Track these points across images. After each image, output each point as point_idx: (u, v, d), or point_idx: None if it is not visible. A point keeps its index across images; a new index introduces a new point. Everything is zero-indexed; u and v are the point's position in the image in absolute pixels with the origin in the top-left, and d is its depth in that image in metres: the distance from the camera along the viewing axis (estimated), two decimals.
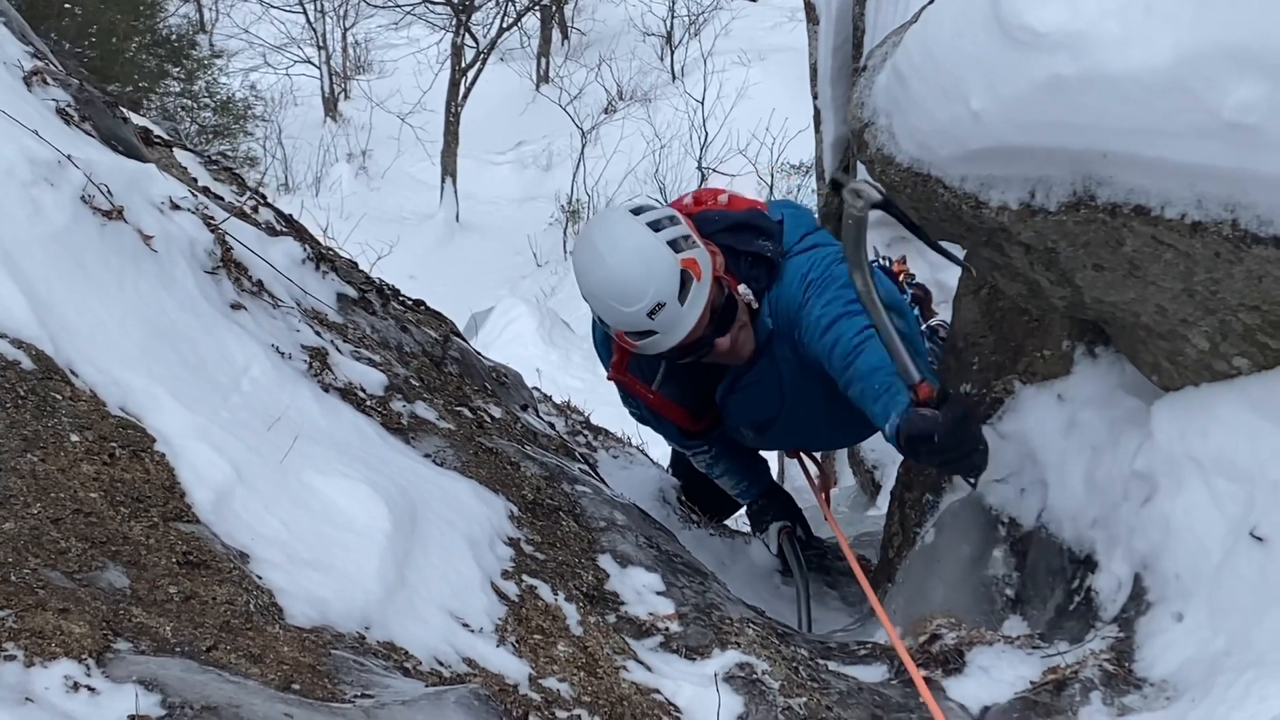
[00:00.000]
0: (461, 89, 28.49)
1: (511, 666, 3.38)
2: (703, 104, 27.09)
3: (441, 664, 3.25)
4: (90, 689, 2.53)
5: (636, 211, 4.54)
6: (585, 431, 6.35)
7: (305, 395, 3.88)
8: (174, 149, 5.50)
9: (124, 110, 5.19)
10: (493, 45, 29.53)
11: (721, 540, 5.49)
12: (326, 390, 4.03)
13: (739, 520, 5.97)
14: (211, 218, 4.25)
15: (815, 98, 10.28)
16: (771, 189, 24.75)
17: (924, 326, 5.35)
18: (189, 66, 27.73)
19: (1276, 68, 2.99)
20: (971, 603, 4.19)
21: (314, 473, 3.48)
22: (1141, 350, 3.82)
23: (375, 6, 31.20)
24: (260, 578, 3.10)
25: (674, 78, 31.10)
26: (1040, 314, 4.32)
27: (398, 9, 30.69)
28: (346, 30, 32.72)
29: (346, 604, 3.19)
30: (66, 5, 21.43)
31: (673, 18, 32.35)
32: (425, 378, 4.70)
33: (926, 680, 3.77)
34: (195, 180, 5.06)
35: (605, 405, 9.22)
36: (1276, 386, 3.49)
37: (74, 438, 3.13)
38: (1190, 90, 3.11)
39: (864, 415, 4.41)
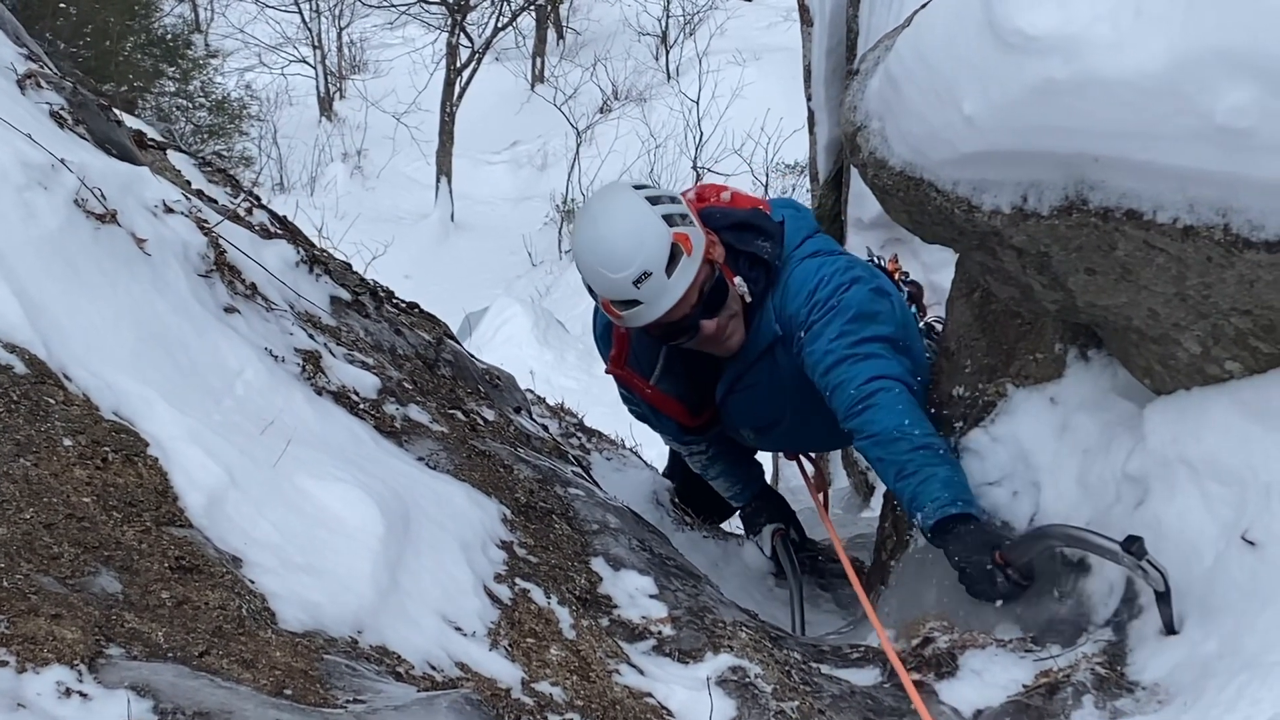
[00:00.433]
0: (457, 89, 28.49)
1: (504, 670, 3.38)
2: (698, 104, 27.12)
3: (434, 668, 3.25)
4: (82, 695, 2.52)
5: (637, 188, 4.58)
6: (579, 434, 6.35)
7: (298, 399, 3.88)
8: (168, 151, 5.49)
9: (118, 113, 5.19)
10: (488, 45, 29.53)
11: (715, 543, 5.49)
12: (320, 393, 4.03)
13: (733, 523, 5.97)
14: (205, 221, 4.25)
15: (809, 100, 10.28)
16: (766, 189, 24.75)
17: (921, 324, 5.35)
18: (184, 66, 27.71)
19: (1268, 71, 2.99)
20: (964, 605, 4.19)
21: (307, 476, 3.48)
22: (1134, 354, 3.82)
23: (370, 6, 31.20)
24: (253, 582, 3.10)
25: (669, 77, 31.10)
26: (1033, 317, 4.33)
27: (393, 9, 30.70)
28: (342, 30, 32.72)
29: (339, 608, 3.19)
30: (61, 5, 21.42)
31: (668, 17, 32.37)
32: (418, 381, 4.70)
33: (919, 684, 3.77)
34: (189, 183, 5.06)
35: (599, 407, 9.21)
36: (1268, 390, 3.49)
37: (67, 442, 3.12)
38: (1182, 94, 3.11)
39: None
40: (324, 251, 5.34)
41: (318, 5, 31.70)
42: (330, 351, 4.31)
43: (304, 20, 31.77)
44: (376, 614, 3.26)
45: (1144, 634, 3.73)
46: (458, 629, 3.44)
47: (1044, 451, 4.20)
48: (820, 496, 5.53)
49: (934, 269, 6.96)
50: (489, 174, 29.69)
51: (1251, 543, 3.45)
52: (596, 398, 12.68)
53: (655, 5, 32.26)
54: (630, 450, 6.70)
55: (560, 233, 27.42)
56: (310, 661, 2.94)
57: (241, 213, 4.87)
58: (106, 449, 3.17)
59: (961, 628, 4.08)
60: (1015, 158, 3.58)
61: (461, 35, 28.93)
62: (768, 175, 25.57)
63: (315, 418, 3.86)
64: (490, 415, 4.88)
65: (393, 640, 3.24)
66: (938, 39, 3.75)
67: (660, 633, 3.88)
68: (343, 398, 4.12)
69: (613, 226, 4.45)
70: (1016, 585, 4.03)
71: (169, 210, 4.08)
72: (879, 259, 5.78)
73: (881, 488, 6.27)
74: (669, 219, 4.45)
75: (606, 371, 5.08)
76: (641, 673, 3.64)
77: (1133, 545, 3.58)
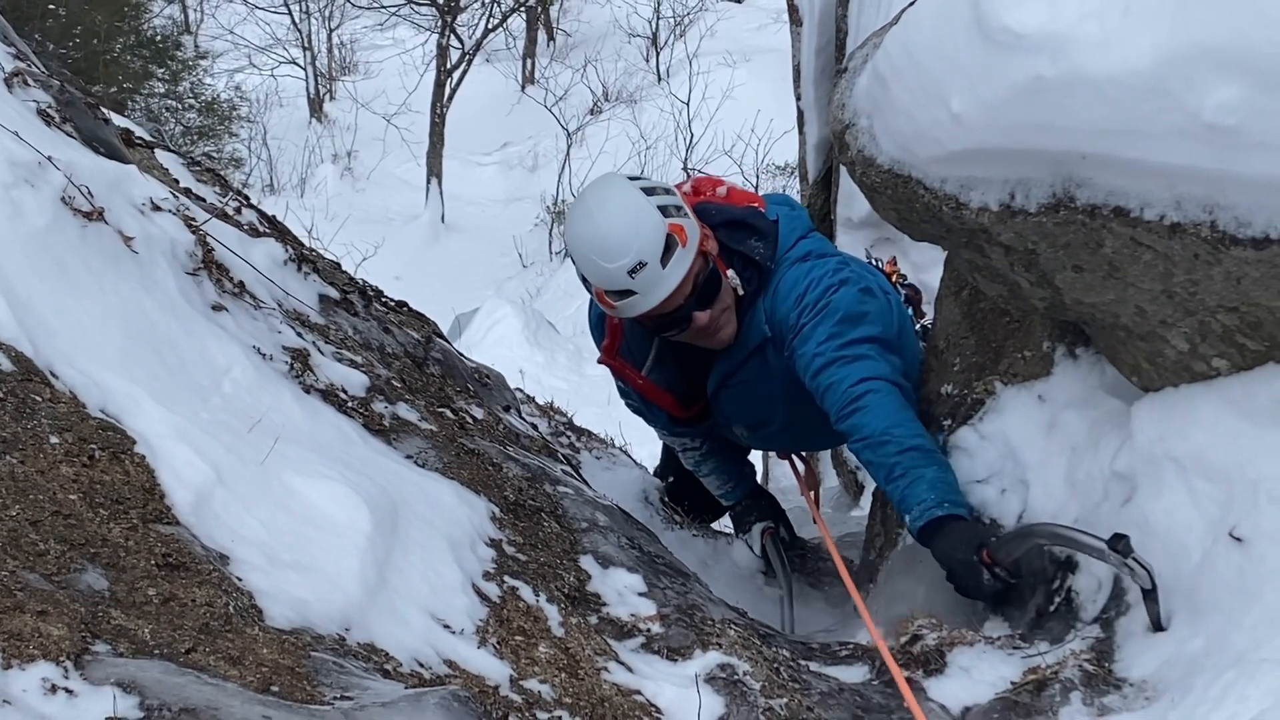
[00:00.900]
0: (447, 90, 28.46)
1: (492, 668, 3.38)
2: (688, 105, 27.09)
3: (422, 665, 3.25)
4: (68, 691, 2.52)
5: (632, 179, 4.58)
6: (568, 433, 6.35)
7: (286, 397, 3.88)
8: (156, 150, 5.48)
9: (105, 111, 5.18)
10: (478, 46, 29.50)
11: (704, 541, 5.49)
12: (308, 391, 4.03)
13: (722, 522, 5.97)
14: (193, 219, 4.24)
15: (799, 99, 10.29)
16: (757, 190, 24.73)
17: (918, 326, 5.35)
18: (174, 68, 27.67)
19: (1255, 69, 3.00)
20: (952, 603, 4.19)
21: (295, 474, 3.48)
22: (1121, 351, 3.83)
23: (360, 8, 31.15)
24: (240, 579, 3.09)
25: (659, 79, 31.09)
26: (1021, 315, 4.33)
27: (383, 10, 30.65)
28: (332, 31, 32.67)
29: (326, 605, 3.19)
30: (50, 6, 21.38)
31: (658, 19, 32.35)
32: (407, 379, 4.69)
33: (908, 681, 3.77)
34: (177, 181, 5.05)
35: (589, 406, 9.24)
36: (1255, 387, 3.50)
37: (53, 439, 3.12)
38: (1169, 91, 3.12)
39: None
40: (313, 250, 5.34)
41: (307, 7, 31.64)
42: (319, 350, 4.30)
43: (294, 22, 31.71)
44: (364, 611, 3.26)
45: (1132, 631, 3.74)
46: (446, 626, 3.44)
47: (1032, 449, 4.21)
48: (810, 495, 5.53)
49: (923, 268, 6.96)
50: (479, 175, 29.66)
51: (1239, 539, 3.45)
52: (587, 397, 12.73)
53: (645, 7, 32.24)
54: (620, 449, 6.70)
55: (551, 234, 27.39)
56: (297, 659, 2.93)
57: (230, 211, 4.86)
58: (93, 446, 3.17)
59: (950, 625, 4.08)
60: (1003, 155, 3.59)
61: (452, 37, 28.89)
62: (758, 176, 25.55)
63: (303, 416, 3.86)
64: (479, 413, 4.88)
65: (381, 637, 3.24)
66: (926, 37, 3.75)
67: (649, 630, 3.88)
68: (331, 396, 4.11)
69: (608, 216, 4.45)
70: (1004, 583, 4.04)
71: (157, 208, 4.07)
72: (877, 260, 5.78)
73: (870, 487, 6.28)
74: (664, 210, 4.46)
75: (600, 361, 5.08)
76: (630, 670, 3.64)
77: (1118, 543, 3.58)
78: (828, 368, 4.46)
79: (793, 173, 21.61)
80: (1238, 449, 3.52)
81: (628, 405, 5.40)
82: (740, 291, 4.65)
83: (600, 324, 5.03)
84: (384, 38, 32.11)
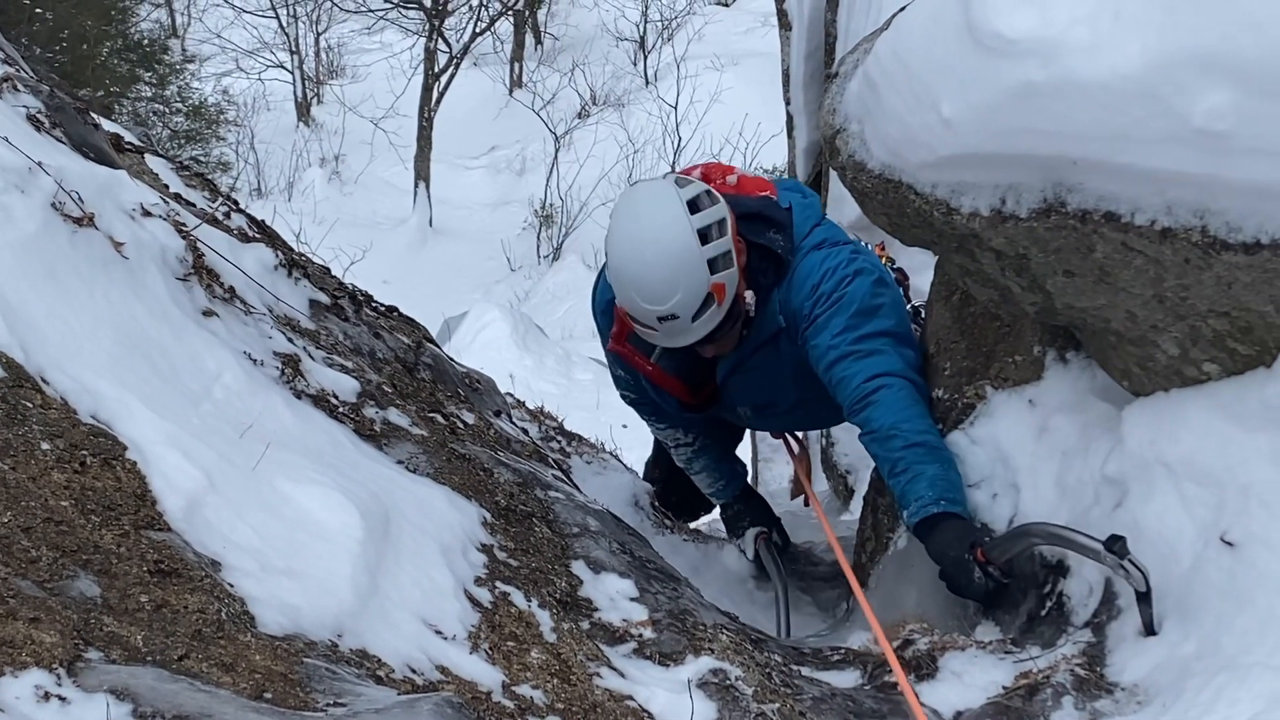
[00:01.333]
0: (435, 94, 28.44)
1: (485, 674, 3.38)
2: (676, 109, 27.13)
3: (414, 671, 3.24)
4: (61, 698, 2.52)
5: (694, 206, 4.43)
6: (559, 437, 6.35)
7: (277, 402, 3.87)
8: (145, 155, 5.47)
9: (95, 116, 5.17)
10: (466, 50, 29.48)
11: (695, 546, 5.49)
12: (299, 397, 4.02)
13: (713, 526, 5.97)
14: (183, 224, 4.23)
15: (788, 104, 10.29)
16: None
17: (909, 308, 5.36)
18: (161, 71, 27.63)
19: (1245, 74, 3.01)
20: (944, 608, 4.20)
21: (286, 480, 3.47)
22: (1112, 356, 3.84)
23: (348, 11, 31.13)
24: (232, 586, 3.09)
25: (647, 82, 31.10)
26: (1011, 320, 4.34)
27: (370, 14, 30.63)
28: (319, 35, 32.64)
29: (319, 612, 3.18)
30: (37, 11, 21.33)
31: (646, 23, 32.36)
32: (398, 384, 4.69)
33: (896, 686, 3.77)
34: (167, 186, 5.03)
35: (579, 411, 9.24)
36: (1246, 392, 3.51)
37: (45, 446, 3.11)
38: (1160, 97, 3.13)
39: None
40: (302, 255, 5.33)
41: (295, 10, 31.62)
42: (309, 355, 4.30)
43: (281, 26, 31.68)
44: (356, 617, 3.25)
45: (1123, 635, 3.74)
46: (438, 632, 3.43)
47: (1023, 453, 4.21)
48: (805, 474, 5.56)
49: (913, 272, 6.95)
50: (467, 179, 29.65)
51: (1230, 544, 3.46)
52: (576, 401, 12.72)
53: (633, 10, 32.25)
54: (610, 454, 6.70)
55: (539, 238, 27.41)
56: (290, 665, 2.93)
57: (219, 216, 4.86)
58: (85, 453, 3.16)
59: (941, 630, 4.09)
60: (994, 160, 3.59)
61: (439, 40, 28.89)
62: None
63: (294, 421, 3.85)
64: (470, 419, 4.88)
65: (373, 643, 3.23)
66: (916, 42, 3.76)
67: (641, 635, 3.88)
68: (322, 401, 4.11)
69: (658, 257, 4.38)
70: (996, 582, 4.05)
71: (147, 214, 4.06)
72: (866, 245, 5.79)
73: (860, 491, 6.28)
74: (712, 264, 4.41)
75: (609, 349, 5.06)
76: (622, 675, 3.64)
77: (1115, 544, 3.59)
78: (841, 361, 4.48)
79: (782, 176, 21.63)
80: (1228, 453, 3.53)
81: (624, 398, 5.40)
82: (752, 313, 4.65)
83: (609, 311, 5.01)
84: (371, 41, 32.08)
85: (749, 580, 5.35)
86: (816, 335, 4.54)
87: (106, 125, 5.54)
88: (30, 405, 3.19)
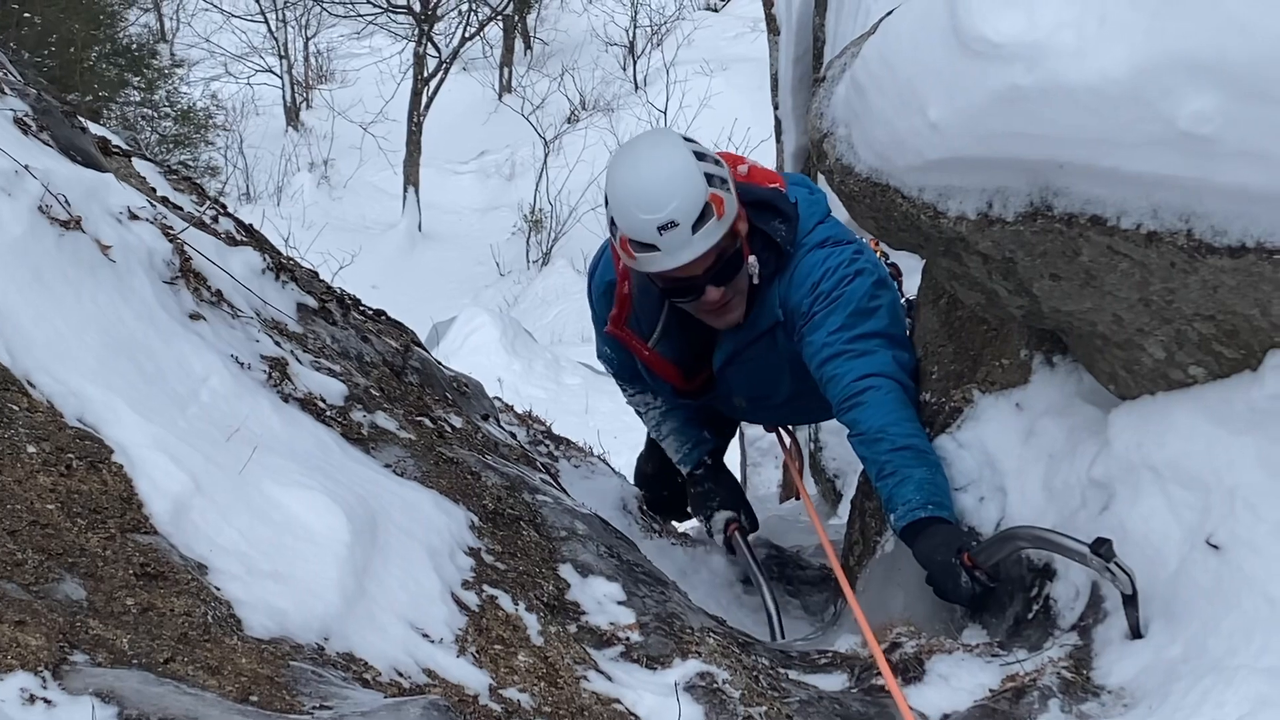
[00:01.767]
0: (424, 98, 28.45)
1: (472, 677, 3.38)
2: (665, 114, 27.14)
3: (401, 675, 3.24)
4: (47, 701, 2.51)
5: (686, 139, 4.58)
6: (547, 441, 6.34)
7: (264, 405, 3.87)
8: (133, 158, 5.47)
9: (82, 120, 5.17)
10: (455, 55, 29.50)
11: (683, 550, 5.48)
12: (286, 400, 4.02)
13: (701, 530, 5.97)
14: (170, 227, 4.23)
15: (776, 108, 10.29)
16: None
17: (903, 300, 5.37)
18: (149, 76, 27.63)
19: (1231, 78, 3.01)
20: (931, 611, 4.20)
21: (273, 483, 3.47)
22: (1099, 359, 3.84)
23: (337, 16, 31.14)
24: (218, 589, 3.09)
25: (636, 87, 31.12)
26: (998, 323, 4.34)
27: (360, 19, 30.64)
28: (308, 39, 32.64)
29: (305, 615, 3.18)
30: (26, 15, 21.31)
31: (635, 28, 32.39)
32: (386, 388, 4.69)
33: (884, 689, 3.78)
34: (154, 190, 5.03)
35: (567, 415, 9.24)
36: (1231, 395, 3.51)
37: (31, 449, 3.11)
38: (1145, 101, 3.13)
39: None
40: (290, 259, 5.33)
41: (284, 15, 31.62)
42: (296, 358, 4.30)
43: (270, 30, 31.69)
44: (343, 621, 3.25)
45: (1109, 638, 3.75)
46: (425, 636, 3.43)
47: (1010, 457, 4.22)
48: (796, 467, 5.56)
49: (904, 273, 6.98)
50: (456, 184, 29.65)
51: (1216, 546, 3.47)
52: (565, 406, 12.72)
53: (622, 16, 32.28)
54: (598, 458, 6.69)
55: (528, 243, 27.41)
56: (276, 668, 2.93)
57: (207, 220, 4.85)
58: (71, 456, 3.16)
59: (928, 633, 4.09)
60: (981, 164, 3.60)
61: (429, 45, 28.89)
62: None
63: (281, 425, 3.85)
64: (458, 422, 4.87)
65: (360, 647, 3.24)
66: (904, 46, 3.76)
67: (628, 639, 3.88)
68: (309, 405, 4.11)
69: (654, 167, 4.46)
70: (983, 587, 4.05)
71: (134, 217, 4.06)
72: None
73: (848, 495, 6.28)
74: (709, 178, 4.46)
75: (605, 331, 5.06)
76: (609, 679, 3.64)
77: (1101, 547, 3.59)
78: (834, 359, 4.49)
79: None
80: (1214, 456, 3.53)
81: (603, 362, 5.45)
82: (756, 281, 4.66)
83: (609, 293, 5.00)
84: (361, 46, 32.11)
85: (736, 584, 5.34)
86: (813, 332, 4.56)
87: (94, 129, 5.54)
88: (16, 408, 3.19)
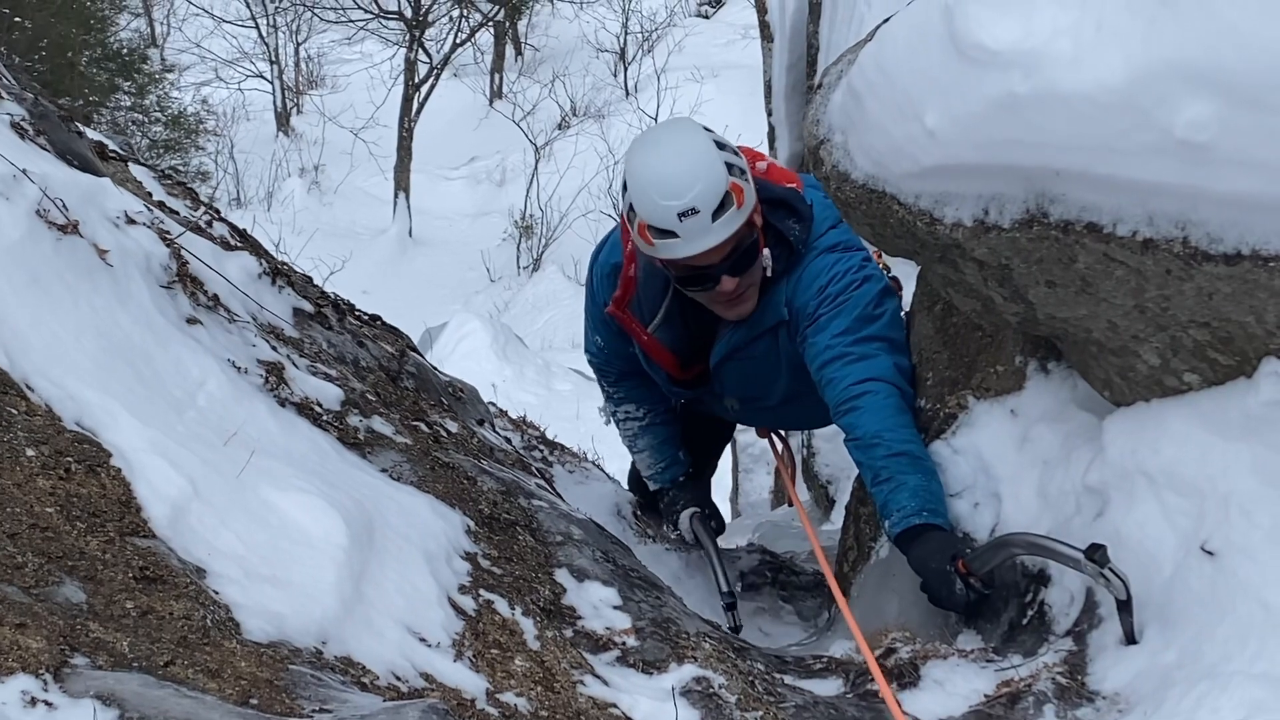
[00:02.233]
0: (415, 104, 28.46)
1: (469, 681, 3.39)
2: (656, 120, 27.14)
3: (398, 679, 3.25)
4: (48, 704, 2.52)
5: (710, 133, 4.59)
6: (541, 446, 6.35)
7: (261, 410, 3.88)
8: (129, 164, 5.48)
9: (79, 125, 5.17)
10: (446, 61, 29.51)
11: (678, 555, 5.49)
12: (283, 405, 4.03)
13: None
14: (167, 232, 4.24)
15: (769, 115, 10.31)
16: None
17: (903, 313, 5.38)
18: (140, 81, 27.59)
19: (1227, 86, 3.02)
20: (926, 616, 4.21)
21: (270, 488, 3.48)
22: (1093, 366, 3.85)
23: (328, 21, 31.13)
24: (217, 593, 3.10)
25: (627, 94, 31.17)
26: (994, 330, 4.35)
27: (351, 24, 30.63)
28: (299, 45, 32.63)
29: (303, 619, 3.19)
30: (17, 19, 21.28)
31: (626, 34, 32.42)
32: (382, 392, 4.70)
33: (879, 695, 3.78)
34: (150, 195, 5.04)
35: (559, 421, 9.22)
36: (1226, 402, 3.52)
37: (29, 452, 3.12)
38: (1142, 108, 3.14)
39: None
40: (285, 264, 5.34)
41: (275, 20, 31.61)
42: (293, 363, 4.30)
43: (261, 35, 31.67)
44: (341, 625, 3.26)
45: (1104, 644, 3.75)
46: (422, 640, 3.44)
47: (1004, 463, 4.22)
48: (789, 473, 5.56)
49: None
50: (447, 190, 29.66)
51: (1210, 553, 3.47)
52: (556, 412, 12.70)
53: (614, 22, 32.31)
54: (592, 463, 6.71)
55: (519, 249, 27.41)
56: (275, 671, 2.94)
57: (203, 225, 4.86)
58: (69, 459, 3.16)
59: (923, 638, 4.10)
60: (977, 171, 3.61)
61: (420, 51, 28.90)
62: None
63: (278, 429, 3.85)
64: (453, 427, 4.88)
65: (357, 651, 3.24)
66: (900, 53, 3.77)
67: (624, 644, 3.89)
68: (306, 409, 4.11)
69: (677, 154, 4.47)
70: (977, 594, 4.06)
71: (131, 221, 4.07)
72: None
73: (842, 501, 6.29)
74: (729, 167, 4.47)
75: (607, 311, 5.05)
76: (606, 683, 3.65)
77: (1095, 553, 3.60)
78: (834, 362, 4.51)
79: None
80: (1209, 463, 3.54)
81: (590, 361, 5.45)
82: (769, 274, 4.67)
83: (614, 275, 5.00)
84: (351, 51, 32.10)
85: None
86: (816, 334, 4.57)
87: (90, 134, 5.54)
88: (15, 412, 3.19)
